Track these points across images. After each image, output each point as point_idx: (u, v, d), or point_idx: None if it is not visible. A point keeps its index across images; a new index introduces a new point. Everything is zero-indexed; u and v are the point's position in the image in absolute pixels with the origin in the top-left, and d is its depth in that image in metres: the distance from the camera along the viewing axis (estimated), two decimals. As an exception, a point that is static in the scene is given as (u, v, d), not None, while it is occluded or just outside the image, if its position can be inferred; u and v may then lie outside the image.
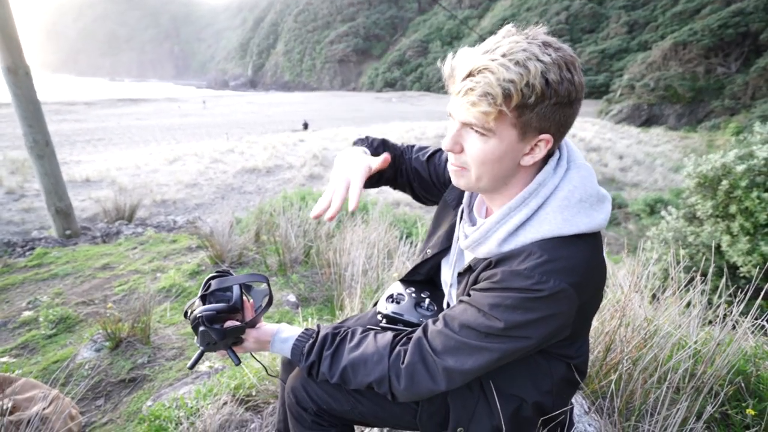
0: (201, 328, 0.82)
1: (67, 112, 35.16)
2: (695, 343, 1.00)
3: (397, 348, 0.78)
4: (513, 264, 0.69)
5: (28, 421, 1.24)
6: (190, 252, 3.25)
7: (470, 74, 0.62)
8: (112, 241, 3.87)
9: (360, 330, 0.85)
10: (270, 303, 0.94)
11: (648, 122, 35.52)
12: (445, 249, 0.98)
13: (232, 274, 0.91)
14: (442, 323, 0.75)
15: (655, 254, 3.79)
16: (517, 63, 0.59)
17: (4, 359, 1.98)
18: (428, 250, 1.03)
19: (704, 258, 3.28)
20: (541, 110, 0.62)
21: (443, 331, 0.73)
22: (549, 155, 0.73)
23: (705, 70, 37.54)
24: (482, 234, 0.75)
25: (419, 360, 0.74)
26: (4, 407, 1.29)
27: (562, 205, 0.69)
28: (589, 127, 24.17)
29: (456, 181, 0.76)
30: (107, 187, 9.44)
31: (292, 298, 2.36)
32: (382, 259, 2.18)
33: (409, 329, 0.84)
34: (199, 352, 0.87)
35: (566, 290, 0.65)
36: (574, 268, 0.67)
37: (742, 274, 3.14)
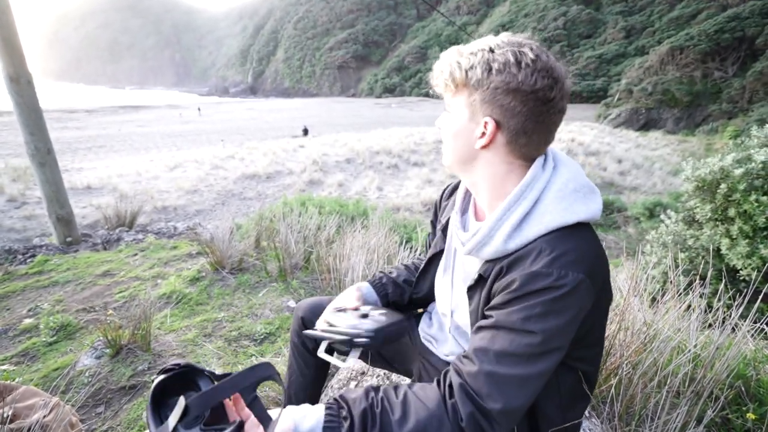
0: None
1: (68, 120, 35.30)
2: (695, 347, 1.00)
3: (449, 403, 0.69)
4: (526, 265, 0.69)
5: (29, 429, 1.24)
6: (190, 258, 3.25)
7: (441, 59, 0.78)
8: (112, 248, 3.88)
9: (392, 392, 0.73)
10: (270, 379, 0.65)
11: (646, 126, 35.64)
12: (436, 255, 1.00)
13: (195, 368, 0.66)
14: (476, 361, 0.69)
15: (655, 258, 3.79)
16: (471, 53, 0.72)
17: (5, 367, 1.98)
18: (423, 264, 1.07)
19: (704, 261, 3.29)
20: (483, 94, 0.71)
21: (482, 370, 0.68)
22: (535, 154, 0.77)
23: (702, 74, 37.73)
24: (485, 234, 0.76)
25: (474, 409, 0.67)
26: (5, 415, 1.29)
27: (558, 196, 0.73)
28: (587, 131, 24.24)
29: (443, 159, 0.86)
30: (108, 194, 9.46)
31: (291, 304, 2.36)
32: (382, 264, 2.19)
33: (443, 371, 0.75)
34: None
35: (584, 281, 0.66)
36: (584, 257, 0.68)
37: (741, 277, 3.14)
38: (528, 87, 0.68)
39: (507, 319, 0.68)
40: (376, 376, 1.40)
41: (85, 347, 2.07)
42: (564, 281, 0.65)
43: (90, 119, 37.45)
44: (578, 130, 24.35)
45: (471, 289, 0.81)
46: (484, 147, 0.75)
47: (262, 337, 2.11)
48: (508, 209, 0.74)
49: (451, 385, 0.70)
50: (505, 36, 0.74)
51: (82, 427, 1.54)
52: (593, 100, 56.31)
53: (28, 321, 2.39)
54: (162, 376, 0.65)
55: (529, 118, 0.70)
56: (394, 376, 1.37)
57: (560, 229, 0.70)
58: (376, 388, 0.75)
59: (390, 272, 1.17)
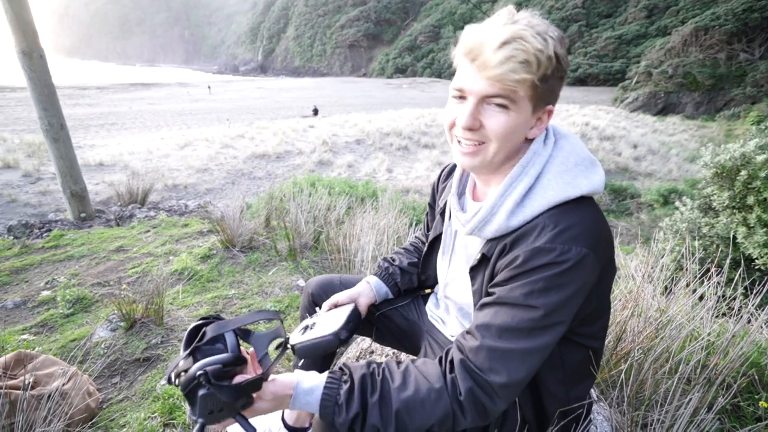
0: (202, 391, 0.61)
1: (79, 96, 35.48)
2: (708, 335, 0.99)
3: (448, 377, 0.70)
4: (529, 241, 0.69)
5: (49, 396, 1.28)
6: (201, 236, 3.29)
7: (506, 42, 0.64)
8: (125, 224, 3.94)
9: (394, 363, 0.76)
10: (286, 346, 0.78)
11: (664, 111, 34.59)
12: (437, 238, 1.00)
13: (222, 319, 0.72)
14: (478, 336, 0.70)
15: (668, 245, 3.73)
16: (542, 37, 0.64)
17: (25, 336, 2.05)
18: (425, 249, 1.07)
19: (719, 250, 3.23)
20: (551, 82, 0.68)
21: (483, 345, 0.68)
22: None
23: (727, 56, 36.23)
24: (488, 211, 0.75)
25: (474, 384, 0.67)
26: (27, 382, 1.33)
27: (560, 170, 0.72)
28: (603, 115, 23.63)
29: (469, 161, 0.75)
30: (120, 171, 9.56)
31: (301, 282, 2.39)
32: (391, 246, 2.19)
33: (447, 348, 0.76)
34: (198, 428, 0.63)
35: (588, 255, 0.66)
36: (587, 231, 0.68)
37: (757, 267, 3.08)
38: (568, 68, 0.71)
39: (509, 295, 0.68)
40: (385, 355, 1.42)
41: (100, 320, 2.13)
42: (567, 256, 0.65)
43: (101, 96, 37.58)
44: (593, 113, 23.74)
45: (474, 269, 0.81)
46: (533, 136, 0.75)
47: (271, 314, 2.14)
48: (510, 185, 0.74)
49: (452, 361, 0.71)
50: (526, 18, 0.66)
51: (98, 396, 1.60)
52: (610, 82, 54.68)
53: (45, 293, 2.46)
54: (198, 322, 0.72)
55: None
56: (403, 356, 1.38)
57: (563, 204, 0.70)
58: (379, 363, 0.77)
59: (393, 259, 1.17)
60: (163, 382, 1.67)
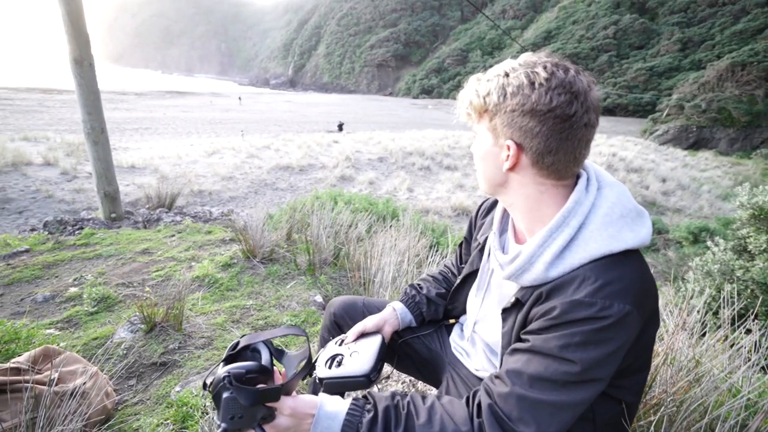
0: (226, 394, 0.66)
1: (119, 101, 37.29)
2: (749, 392, 0.93)
3: (475, 422, 0.69)
4: (568, 293, 0.66)
5: (71, 394, 1.31)
6: (223, 244, 3.35)
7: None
8: (152, 227, 4.06)
9: (419, 398, 0.75)
10: (309, 365, 0.79)
11: (696, 145, 33.67)
12: (472, 273, 0.99)
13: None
14: (508, 382, 0.68)
15: (697, 286, 3.57)
16: (488, 80, 0.74)
17: (51, 331, 2.11)
18: (458, 279, 1.06)
19: (754, 295, 3.07)
20: (501, 118, 0.72)
21: (513, 392, 0.66)
22: (564, 172, 0.74)
23: (765, 93, 35.23)
24: (526, 260, 0.73)
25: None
26: (51, 377, 1.37)
27: (604, 222, 0.69)
28: (631, 146, 23.18)
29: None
30: (150, 174, 9.92)
31: (318, 298, 2.39)
32: (411, 267, 2.17)
33: (476, 389, 0.75)
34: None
35: (631, 312, 0.63)
36: (630, 287, 0.65)
37: (796, 317, 2.91)
38: (544, 106, 0.67)
39: (544, 345, 0.66)
40: (402, 382, 1.39)
41: (122, 320, 2.18)
42: (608, 312, 0.62)
43: (139, 102, 39.42)
44: (621, 144, 23.33)
45: (506, 311, 0.80)
46: (511, 169, 0.75)
47: (287, 328, 2.14)
48: (549, 236, 0.71)
49: (479, 405, 0.70)
50: (523, 57, 0.74)
51: (116, 398, 1.62)
52: (639, 114, 53.84)
53: (73, 290, 2.54)
54: (238, 338, 0.78)
55: (551, 137, 0.69)
56: (420, 384, 1.35)
57: (606, 257, 0.67)
58: (404, 394, 0.77)
59: (420, 287, 1.16)
60: (178, 388, 1.69)
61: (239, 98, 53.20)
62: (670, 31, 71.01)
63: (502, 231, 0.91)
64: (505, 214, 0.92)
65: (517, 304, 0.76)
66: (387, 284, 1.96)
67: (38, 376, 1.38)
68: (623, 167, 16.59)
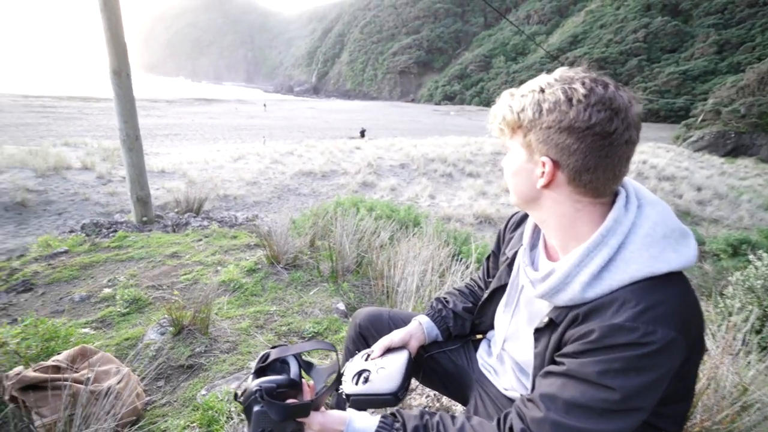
0: (257, 407, 0.68)
1: (151, 108, 38.86)
2: (802, 423, 0.86)
3: None
4: (607, 316, 0.63)
5: (105, 394, 1.36)
6: (248, 249, 3.42)
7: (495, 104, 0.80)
8: (180, 231, 4.19)
9: (449, 419, 0.74)
10: (339, 380, 0.81)
11: (734, 152, 32.10)
12: (499, 288, 0.97)
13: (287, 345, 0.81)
14: (542, 407, 0.66)
15: (738, 303, 3.38)
16: (522, 95, 0.72)
17: (86, 330, 2.20)
18: (486, 293, 1.04)
19: (800, 314, 2.87)
20: (537, 134, 0.70)
21: (548, 418, 0.64)
22: (592, 186, 0.71)
23: (809, 97, 33.31)
24: (561, 279, 0.71)
25: None
26: (88, 376, 1.42)
27: (646, 242, 0.66)
28: (662, 153, 22.32)
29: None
30: (179, 179, 10.26)
31: (341, 306, 2.40)
32: (435, 277, 2.15)
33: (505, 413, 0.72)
34: None
35: (676, 339, 0.60)
36: (675, 312, 0.62)
37: None
38: (582, 123, 0.65)
39: (581, 370, 0.64)
40: (426, 396, 1.37)
41: (152, 322, 2.25)
42: (651, 338, 0.59)
43: (169, 109, 40.99)
44: (651, 151, 22.51)
45: (539, 331, 0.77)
46: (546, 186, 0.72)
47: (310, 335, 2.16)
48: (586, 255, 0.69)
49: (512, 429, 0.68)
50: (558, 72, 0.72)
51: (145, 399, 1.67)
52: (672, 119, 51.95)
53: (107, 291, 2.65)
54: (268, 349, 0.81)
55: (589, 154, 0.66)
56: (445, 400, 1.33)
57: (648, 279, 0.64)
58: (432, 413, 0.76)
59: (446, 300, 1.15)
60: (204, 392, 1.72)
61: (264, 105, 54.53)
62: (705, 33, 68.40)
63: (533, 246, 0.89)
64: (536, 229, 0.90)
65: (551, 325, 0.74)
66: (411, 294, 1.95)
67: (75, 375, 1.44)
68: (654, 175, 15.98)
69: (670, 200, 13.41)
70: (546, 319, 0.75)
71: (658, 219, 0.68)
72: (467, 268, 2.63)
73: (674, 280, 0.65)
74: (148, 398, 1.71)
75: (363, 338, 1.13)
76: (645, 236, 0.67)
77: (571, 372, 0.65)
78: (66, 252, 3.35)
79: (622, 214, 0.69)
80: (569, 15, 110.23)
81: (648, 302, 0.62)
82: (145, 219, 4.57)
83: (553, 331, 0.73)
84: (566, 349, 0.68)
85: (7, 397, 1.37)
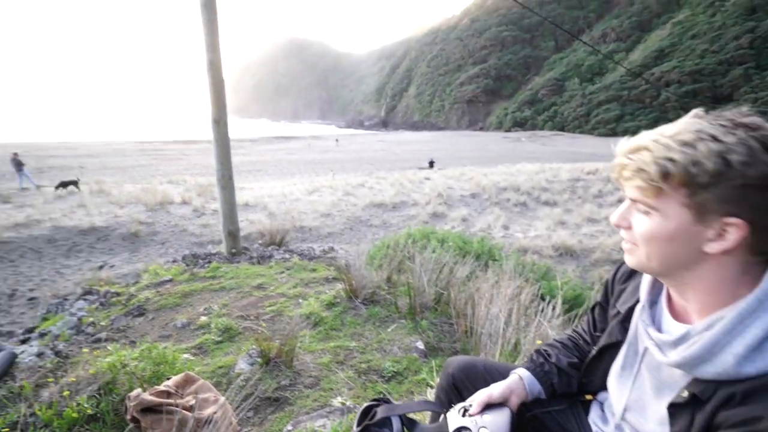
0: None
1: (237, 148, 43.35)
2: None
3: None
4: None
5: (206, 422, 1.44)
6: (327, 282, 3.54)
7: (629, 152, 0.66)
8: (265, 263, 4.48)
9: None
10: None
11: None
12: (611, 346, 0.86)
13: (391, 402, 0.81)
14: None
15: None
16: (683, 143, 0.60)
17: (186, 355, 2.40)
18: (594, 349, 0.93)
19: None
20: (720, 192, 0.58)
21: None
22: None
23: None
24: (706, 348, 0.60)
25: None
26: (191, 404, 1.53)
27: None
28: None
29: (628, 259, 0.73)
30: (260, 211, 11.16)
31: (420, 345, 2.34)
32: (523, 324, 2.01)
33: None
34: None
35: None
36: None
37: None
38: None
39: None
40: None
41: (242, 352, 2.38)
42: None
43: (253, 147, 45.39)
44: None
45: (676, 407, 0.66)
46: (723, 251, 0.61)
47: (389, 375, 2.12)
48: (739, 322, 0.58)
49: None
50: (711, 118, 0.61)
51: (238, 429, 1.74)
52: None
53: (203, 318, 2.89)
54: (370, 402, 0.84)
55: None
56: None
57: None
58: None
59: (548, 354, 1.04)
60: (290, 427, 1.75)
61: (336, 140, 57.99)
62: (826, 36, 59.23)
63: (652, 302, 0.78)
64: (656, 283, 0.79)
65: (694, 401, 0.63)
66: (497, 337, 1.83)
67: (181, 401, 1.56)
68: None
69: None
70: (686, 394, 0.64)
71: None
72: (553, 309, 2.43)
73: None
74: (240, 429, 1.79)
75: (457, 389, 1.07)
76: None
77: None
78: (170, 280, 3.75)
79: None
80: (653, 29, 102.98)
81: None
82: (233, 251, 4.98)
83: (697, 410, 0.62)
84: None
85: (128, 417, 1.53)
